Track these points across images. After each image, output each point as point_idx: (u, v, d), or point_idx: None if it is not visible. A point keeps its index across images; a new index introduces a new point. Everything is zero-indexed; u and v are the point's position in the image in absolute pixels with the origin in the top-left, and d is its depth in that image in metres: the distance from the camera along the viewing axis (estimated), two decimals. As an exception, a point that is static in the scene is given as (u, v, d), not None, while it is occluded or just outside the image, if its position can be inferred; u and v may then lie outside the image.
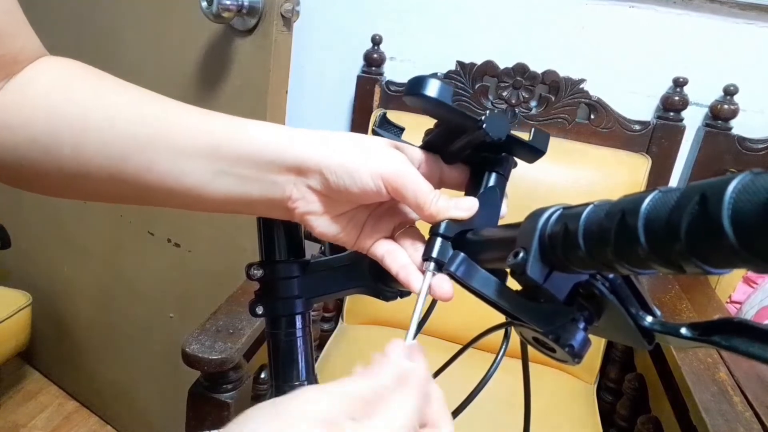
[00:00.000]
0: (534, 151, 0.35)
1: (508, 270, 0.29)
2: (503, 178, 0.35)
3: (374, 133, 0.40)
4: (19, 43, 0.34)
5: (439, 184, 0.38)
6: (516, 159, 0.36)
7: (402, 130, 0.40)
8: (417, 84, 0.32)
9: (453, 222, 0.33)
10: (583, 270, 0.24)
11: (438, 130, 0.36)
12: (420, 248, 0.35)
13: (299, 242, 0.44)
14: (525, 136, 0.35)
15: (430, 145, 0.37)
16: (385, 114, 0.41)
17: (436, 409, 0.28)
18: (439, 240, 0.33)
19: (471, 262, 0.30)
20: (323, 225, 0.36)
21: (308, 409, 0.24)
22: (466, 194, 0.36)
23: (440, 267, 0.32)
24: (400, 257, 0.36)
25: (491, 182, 0.35)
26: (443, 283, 0.32)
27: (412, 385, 0.26)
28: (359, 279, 0.44)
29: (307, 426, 0.23)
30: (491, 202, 0.35)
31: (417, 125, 0.39)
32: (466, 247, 0.32)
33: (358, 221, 0.37)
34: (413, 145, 0.38)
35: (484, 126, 0.32)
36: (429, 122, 0.37)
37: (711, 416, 0.67)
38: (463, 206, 0.33)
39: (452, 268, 0.30)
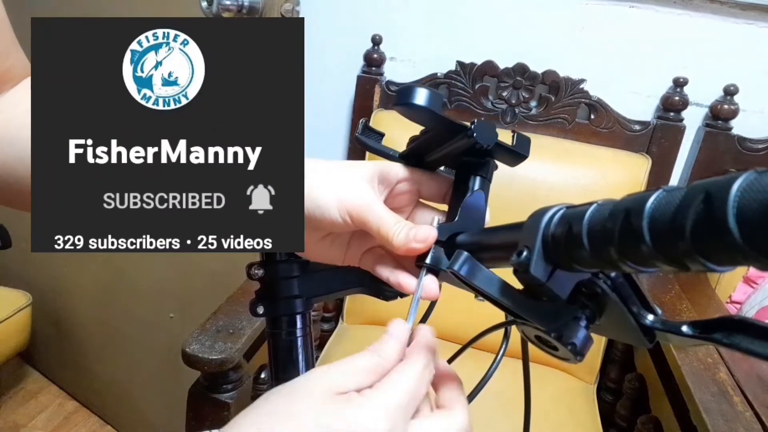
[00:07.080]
0: (516, 156, 0.36)
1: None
2: (487, 182, 0.37)
3: (357, 140, 0.42)
4: (9, 62, 0.35)
5: (418, 196, 0.39)
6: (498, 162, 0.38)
7: (382, 135, 0.42)
8: (405, 93, 0.32)
9: (443, 225, 0.35)
10: (587, 269, 0.24)
11: (425, 137, 0.37)
12: None
13: (300, 242, 0.44)
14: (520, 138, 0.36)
15: (413, 152, 0.38)
16: (366, 121, 0.42)
17: (450, 394, 0.29)
18: None
19: (474, 261, 0.31)
20: (307, 249, 0.37)
21: (317, 384, 0.26)
22: (451, 199, 0.37)
23: (433, 271, 0.34)
24: (390, 263, 0.37)
25: (476, 186, 0.36)
26: (431, 284, 0.33)
27: (415, 357, 0.28)
28: (359, 279, 0.44)
29: (319, 397, 0.25)
30: (477, 205, 0.36)
31: (418, 126, 0.39)
32: (469, 247, 0.32)
33: (342, 241, 0.38)
34: (395, 160, 0.39)
35: (474, 135, 0.33)
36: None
37: (711, 416, 0.67)
38: (419, 238, 0.33)
39: (456, 267, 0.30)
